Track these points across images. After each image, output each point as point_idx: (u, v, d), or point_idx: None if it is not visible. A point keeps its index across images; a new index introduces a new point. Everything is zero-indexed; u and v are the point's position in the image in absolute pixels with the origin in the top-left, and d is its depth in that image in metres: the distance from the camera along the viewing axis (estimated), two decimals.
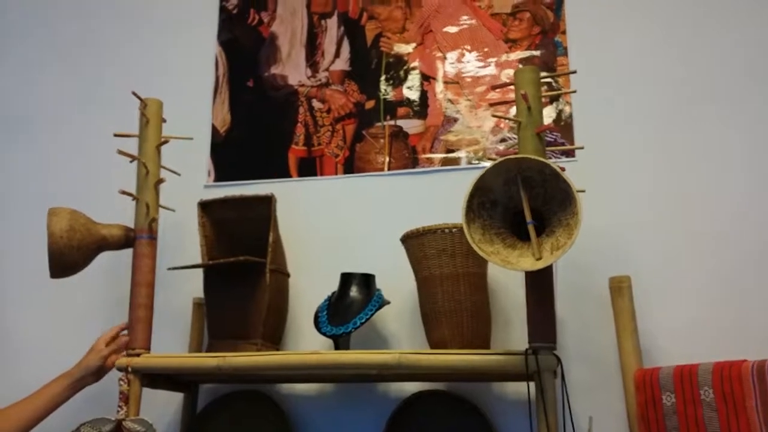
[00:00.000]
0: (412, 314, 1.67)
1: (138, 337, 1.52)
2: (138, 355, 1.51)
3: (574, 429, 1.30)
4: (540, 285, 1.31)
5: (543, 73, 1.45)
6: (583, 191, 1.27)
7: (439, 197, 1.73)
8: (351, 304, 1.57)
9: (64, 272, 1.53)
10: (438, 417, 1.57)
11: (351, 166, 1.84)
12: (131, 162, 1.62)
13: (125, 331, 1.59)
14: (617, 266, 1.55)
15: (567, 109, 1.72)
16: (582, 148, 1.49)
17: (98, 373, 1.58)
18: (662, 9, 1.71)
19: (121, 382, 1.48)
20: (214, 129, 1.96)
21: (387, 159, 1.82)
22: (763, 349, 1.29)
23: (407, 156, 1.81)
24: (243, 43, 2.01)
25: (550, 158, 1.62)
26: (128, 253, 1.60)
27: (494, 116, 1.68)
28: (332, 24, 1.96)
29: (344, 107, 1.89)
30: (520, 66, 1.77)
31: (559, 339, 1.51)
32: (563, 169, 1.25)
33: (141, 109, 1.62)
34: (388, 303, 1.59)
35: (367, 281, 1.60)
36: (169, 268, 1.68)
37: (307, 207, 1.82)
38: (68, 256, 1.50)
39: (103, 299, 1.89)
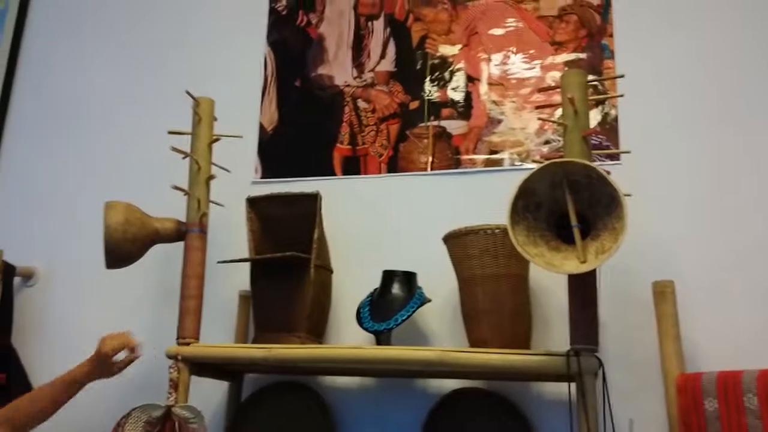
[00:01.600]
0: (452, 313, 1.69)
1: (188, 327, 1.58)
2: (188, 344, 1.56)
3: (614, 431, 1.31)
4: (583, 288, 1.32)
5: (590, 77, 1.45)
6: (629, 195, 1.28)
7: (482, 198, 1.75)
8: (393, 301, 1.60)
9: (119, 263, 1.59)
10: (476, 415, 1.59)
11: (394, 165, 1.87)
12: (184, 158, 1.67)
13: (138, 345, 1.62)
14: (661, 271, 1.55)
15: (612, 112, 1.72)
16: (629, 152, 1.49)
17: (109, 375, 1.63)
18: (711, 13, 1.70)
19: (171, 370, 1.53)
20: (262, 127, 2.01)
21: (430, 159, 1.85)
22: None
23: (450, 156, 1.83)
24: (291, 44, 2.06)
25: (596, 161, 1.62)
26: (179, 246, 1.66)
27: (540, 119, 1.69)
28: (378, 25, 1.99)
29: (389, 107, 1.92)
30: (566, 68, 1.78)
31: (600, 342, 1.52)
32: (609, 173, 1.26)
33: (194, 108, 1.68)
34: (429, 301, 1.61)
35: (408, 279, 1.63)
36: (219, 262, 1.73)
37: (351, 205, 1.85)
38: (123, 248, 1.56)
39: (154, 290, 1.96)
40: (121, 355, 1.59)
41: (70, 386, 1.58)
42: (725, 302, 1.52)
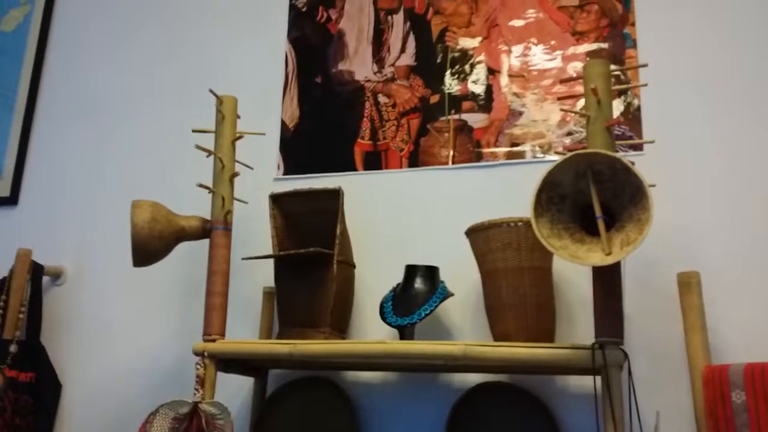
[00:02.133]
0: (475, 306, 1.69)
1: (214, 324, 1.59)
2: (214, 340, 1.58)
3: (640, 424, 1.30)
4: (608, 280, 1.31)
5: (612, 66, 1.44)
6: (654, 186, 1.27)
7: (504, 191, 1.74)
8: (416, 295, 1.60)
9: (146, 261, 1.61)
10: (501, 408, 1.59)
11: (415, 159, 1.87)
12: (207, 157, 1.69)
13: None
14: (686, 262, 1.53)
15: (635, 102, 1.70)
16: (653, 142, 1.47)
17: None
18: (734, 1, 1.67)
19: (198, 366, 1.55)
20: (283, 124, 2.02)
21: (451, 153, 1.84)
22: None
23: (471, 150, 1.83)
24: (312, 40, 2.07)
25: (618, 152, 1.61)
26: (204, 243, 1.67)
27: (562, 110, 1.68)
28: (398, 20, 1.99)
29: (409, 102, 1.92)
30: (588, 59, 1.76)
31: (625, 334, 1.51)
32: (633, 164, 1.25)
33: (217, 106, 1.69)
34: (452, 295, 1.61)
35: (431, 273, 1.63)
36: (244, 258, 1.75)
37: (373, 200, 1.86)
38: (150, 246, 1.58)
39: (180, 287, 1.98)
40: None
41: None
42: (752, 293, 1.50)
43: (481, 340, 1.63)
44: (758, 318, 1.48)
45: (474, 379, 1.64)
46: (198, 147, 1.66)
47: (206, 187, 1.66)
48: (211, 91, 1.68)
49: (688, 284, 1.43)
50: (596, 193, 1.28)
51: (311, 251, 1.63)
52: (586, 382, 1.54)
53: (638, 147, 1.65)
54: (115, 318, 2.01)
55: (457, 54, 1.91)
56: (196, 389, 1.52)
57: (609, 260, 1.23)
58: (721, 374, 1.32)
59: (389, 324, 1.57)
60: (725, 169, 1.59)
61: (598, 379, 1.30)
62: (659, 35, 1.72)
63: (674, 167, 1.62)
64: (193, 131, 1.68)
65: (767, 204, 1.54)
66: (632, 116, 1.70)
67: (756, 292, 1.50)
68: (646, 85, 1.50)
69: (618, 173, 1.26)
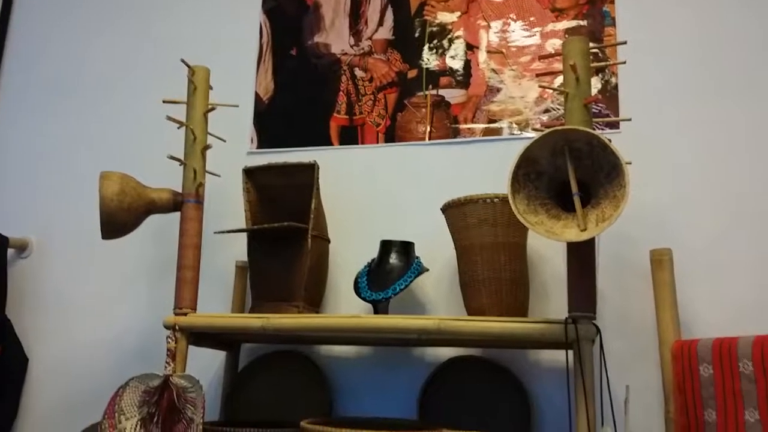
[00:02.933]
0: (449, 282, 1.69)
1: (185, 297, 1.57)
2: (185, 314, 1.56)
3: (611, 397, 1.32)
4: (582, 256, 1.32)
5: (591, 44, 1.43)
6: (630, 163, 1.27)
7: (480, 167, 1.74)
8: (390, 270, 1.60)
9: (115, 234, 1.58)
10: (474, 382, 1.60)
11: (392, 135, 1.86)
12: (179, 128, 1.65)
13: None
14: (659, 239, 1.55)
15: (613, 80, 1.71)
16: (629, 119, 1.48)
17: None
18: None
19: (169, 340, 1.53)
20: (258, 97, 1.99)
21: (428, 128, 1.83)
22: None
23: (448, 126, 1.82)
24: (287, 12, 2.03)
25: (595, 129, 1.61)
26: (174, 217, 1.65)
27: (541, 87, 1.67)
28: None
29: (386, 76, 1.90)
30: (567, 36, 1.76)
31: (598, 309, 1.53)
32: (610, 141, 1.25)
33: (189, 77, 1.65)
34: (427, 270, 1.61)
35: (406, 249, 1.62)
36: (216, 232, 1.72)
37: (348, 175, 1.84)
38: (119, 218, 1.55)
39: (150, 261, 1.95)
40: None
41: None
42: (722, 270, 1.53)
43: (454, 315, 1.63)
44: (728, 294, 1.51)
45: (446, 353, 1.65)
46: (169, 118, 1.62)
47: (177, 159, 1.63)
48: (182, 60, 1.64)
49: (660, 261, 1.45)
50: (573, 170, 1.28)
51: (286, 225, 1.61)
52: (557, 356, 1.56)
53: (615, 125, 1.66)
54: (83, 291, 1.98)
55: (435, 28, 1.89)
56: (167, 362, 1.50)
57: (584, 236, 1.23)
58: (690, 349, 1.34)
59: (364, 299, 1.57)
60: (699, 148, 1.61)
61: (571, 353, 1.31)
62: (638, 13, 1.72)
63: (649, 146, 1.63)
64: (164, 102, 1.64)
65: (739, 183, 1.56)
66: (609, 94, 1.70)
67: (726, 269, 1.52)
68: (624, 62, 1.50)
69: (595, 150, 1.26)
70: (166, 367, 1.51)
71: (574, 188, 1.27)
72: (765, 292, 1.49)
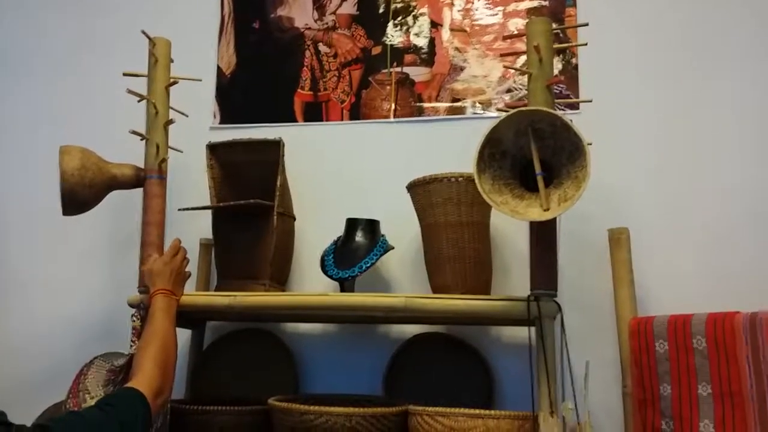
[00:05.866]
0: (414, 260, 1.71)
1: None
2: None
3: (571, 373, 1.37)
4: (544, 235, 1.35)
5: (554, 25, 1.45)
6: (590, 144, 1.30)
7: (444, 146, 1.75)
8: (357, 248, 1.61)
9: (76, 210, 1.55)
10: (438, 358, 1.63)
11: (357, 112, 1.85)
12: (139, 102, 1.62)
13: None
14: (616, 218, 1.59)
15: (573, 61, 1.73)
16: (590, 101, 1.51)
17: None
18: None
19: (134, 318, 1.51)
20: (219, 70, 1.95)
21: (393, 106, 1.83)
22: (755, 302, 1.34)
23: (413, 104, 1.82)
24: None
25: (556, 110, 1.64)
26: (135, 192, 1.62)
27: (506, 67, 1.69)
28: None
29: (351, 52, 1.89)
30: (529, 16, 1.77)
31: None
32: (571, 122, 1.28)
33: (150, 49, 1.61)
34: (392, 248, 1.63)
35: (372, 227, 1.64)
36: (181, 209, 1.70)
37: (313, 152, 1.83)
38: (80, 194, 1.52)
39: (111, 238, 1.92)
40: None
41: (174, 319, 1.46)
42: (678, 249, 1.58)
43: (418, 293, 1.66)
44: (683, 273, 1.57)
45: (412, 330, 1.67)
46: (129, 91, 1.59)
47: (139, 134, 1.60)
48: (143, 32, 1.60)
49: (618, 240, 1.50)
50: (536, 150, 1.30)
51: (251, 203, 1.60)
52: (518, 333, 1.60)
53: (574, 106, 1.69)
54: (43, 269, 1.94)
55: (399, 5, 1.88)
56: (133, 341, 1.49)
57: (547, 216, 1.26)
58: (647, 325, 1.40)
59: (330, 277, 1.58)
60: (657, 129, 1.65)
61: (533, 329, 1.35)
62: None
63: (608, 127, 1.67)
64: (124, 75, 1.60)
65: (696, 163, 1.62)
66: (570, 75, 1.73)
67: (682, 248, 1.58)
68: (585, 44, 1.52)
69: (558, 131, 1.28)
70: (131, 345, 1.49)
71: (538, 168, 1.30)
72: (719, 270, 1.55)
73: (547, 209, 1.27)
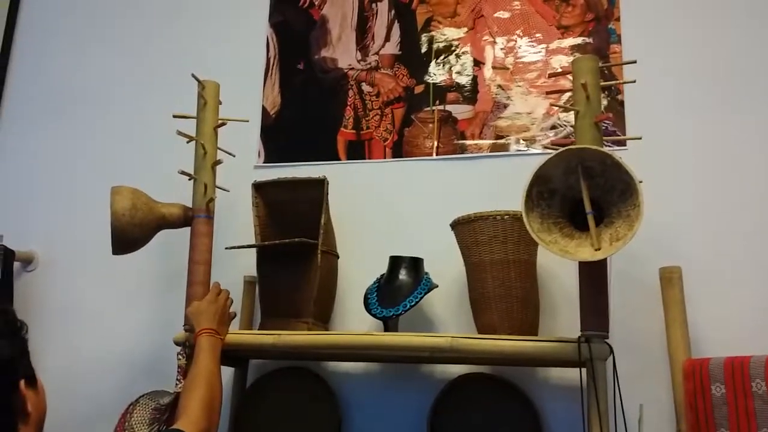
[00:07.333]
0: (458, 298, 1.69)
1: None
2: None
3: (624, 416, 1.32)
4: (594, 275, 1.33)
5: (600, 63, 1.44)
6: (641, 182, 1.28)
7: (487, 183, 1.75)
8: (400, 287, 1.60)
9: (126, 249, 1.57)
10: (483, 400, 1.60)
11: (399, 150, 1.86)
12: (188, 143, 1.65)
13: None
14: (668, 257, 1.56)
15: (619, 97, 1.72)
16: (639, 138, 1.49)
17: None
18: None
19: (180, 357, 1.52)
20: (264, 111, 1.99)
21: (435, 144, 1.84)
22: None
23: (456, 141, 1.82)
24: (294, 26, 2.03)
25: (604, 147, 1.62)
26: (182, 231, 1.64)
27: (552, 105, 1.68)
28: (383, 8, 1.97)
29: (393, 91, 1.91)
30: (572, 53, 1.77)
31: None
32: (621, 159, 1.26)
33: (199, 91, 1.65)
34: (436, 286, 1.61)
35: (415, 265, 1.63)
36: (228, 248, 1.72)
37: (356, 190, 1.84)
38: (130, 234, 1.55)
39: (157, 276, 1.94)
40: None
41: (218, 359, 1.46)
42: (733, 287, 1.53)
43: (464, 332, 1.63)
44: (738, 312, 1.51)
45: (456, 370, 1.65)
46: (179, 133, 1.62)
47: (188, 174, 1.63)
48: (193, 75, 1.64)
49: (670, 279, 1.46)
50: (586, 188, 1.29)
51: (296, 241, 1.61)
52: (567, 374, 1.56)
53: (621, 143, 1.67)
54: (89, 306, 1.97)
55: (442, 44, 1.90)
56: (178, 380, 1.49)
57: (598, 255, 1.24)
58: (702, 367, 1.35)
59: (374, 315, 1.57)
60: (707, 165, 1.62)
61: (584, 372, 1.31)
62: (643, 31, 1.73)
63: (657, 163, 1.64)
64: (174, 116, 1.64)
65: (747, 199, 1.58)
66: (616, 112, 1.71)
67: (736, 286, 1.53)
68: (634, 81, 1.51)
69: (609, 169, 1.27)
70: (176, 384, 1.50)
71: (588, 207, 1.28)
72: None
73: (599, 249, 1.25)
